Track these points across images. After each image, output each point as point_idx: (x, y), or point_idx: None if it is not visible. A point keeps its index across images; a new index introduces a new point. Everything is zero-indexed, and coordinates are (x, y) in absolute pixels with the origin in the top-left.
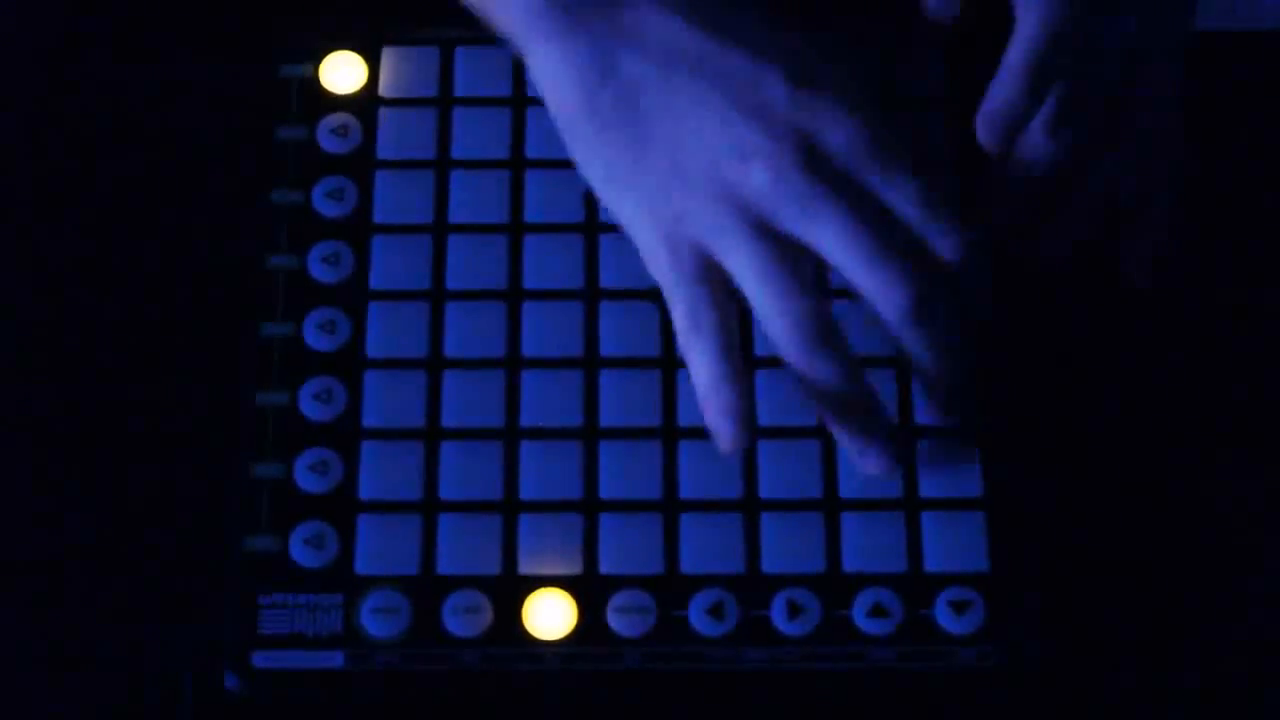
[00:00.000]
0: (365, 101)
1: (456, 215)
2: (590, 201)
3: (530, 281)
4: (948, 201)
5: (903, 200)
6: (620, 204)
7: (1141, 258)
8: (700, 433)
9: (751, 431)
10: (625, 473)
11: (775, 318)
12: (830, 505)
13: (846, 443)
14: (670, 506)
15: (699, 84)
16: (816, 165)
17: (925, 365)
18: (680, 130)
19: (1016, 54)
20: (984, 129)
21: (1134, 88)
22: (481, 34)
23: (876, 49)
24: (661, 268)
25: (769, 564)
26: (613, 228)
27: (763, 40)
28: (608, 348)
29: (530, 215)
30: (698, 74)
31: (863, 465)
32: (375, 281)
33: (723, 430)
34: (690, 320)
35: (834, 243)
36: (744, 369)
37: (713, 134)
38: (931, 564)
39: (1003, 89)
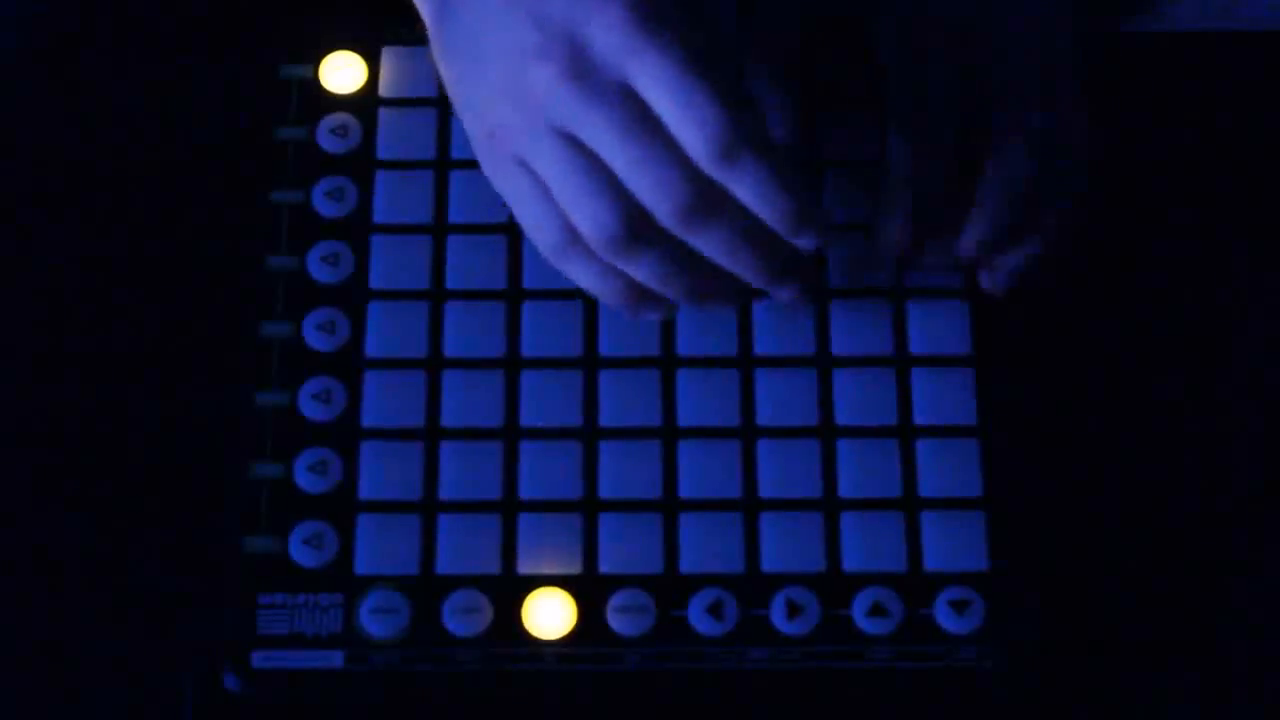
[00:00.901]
0: (365, 101)
1: (456, 215)
2: None
3: (530, 281)
4: (706, 90)
5: (658, 92)
6: (465, 126)
7: (1011, 266)
8: (700, 433)
9: (668, 304)
10: (625, 473)
11: (585, 222)
12: (830, 505)
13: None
14: (670, 506)
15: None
16: (578, 66)
17: (725, 260)
18: (486, 42)
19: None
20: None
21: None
22: None
23: None
24: (497, 185)
25: (768, 563)
26: None
27: None
28: (607, 348)
29: None
30: None
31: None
32: (375, 281)
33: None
34: (543, 241)
35: (606, 149)
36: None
37: (506, 39)
38: (931, 563)
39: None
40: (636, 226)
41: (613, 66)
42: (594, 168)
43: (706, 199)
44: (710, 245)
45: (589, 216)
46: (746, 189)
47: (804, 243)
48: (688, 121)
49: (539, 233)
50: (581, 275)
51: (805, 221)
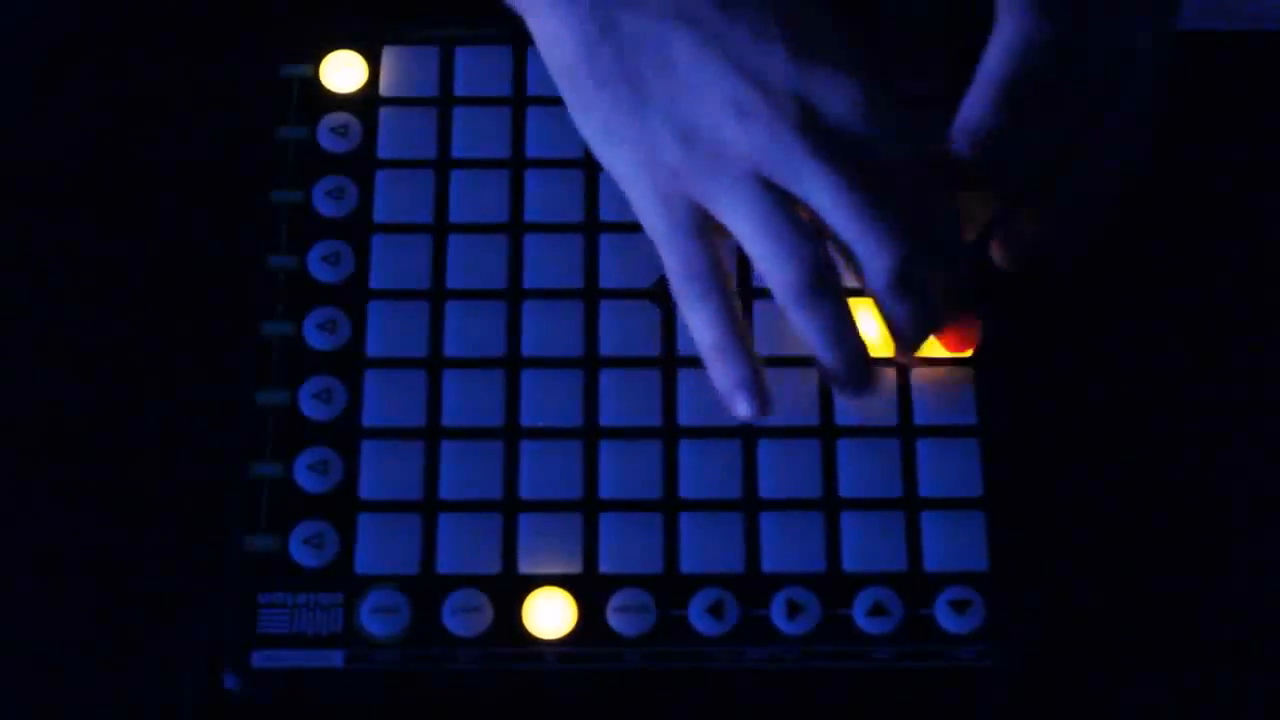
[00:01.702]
0: (365, 101)
1: (456, 215)
2: (590, 201)
3: (530, 281)
4: (939, 170)
5: (896, 163)
6: (615, 158)
7: (1075, 249)
8: (700, 432)
9: (764, 398)
10: (625, 472)
11: (774, 265)
12: (830, 504)
13: (837, 386)
14: (670, 506)
15: (698, 42)
16: (813, 127)
17: (904, 332)
18: (678, 87)
19: (993, 65)
20: (961, 142)
21: (1116, 92)
22: (482, 34)
23: (879, 46)
24: (656, 222)
25: (769, 563)
26: (613, 227)
27: (766, 5)
28: (608, 347)
29: (530, 215)
30: (697, 33)
31: (854, 405)
32: (375, 281)
33: (738, 404)
34: (686, 275)
35: (826, 199)
36: (745, 329)
37: (711, 92)
38: (931, 563)
39: (978, 104)
40: (829, 273)
41: (845, 137)
42: (795, 216)
43: (916, 266)
44: (904, 308)
45: (789, 252)
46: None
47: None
48: (927, 196)
49: (688, 269)
50: (710, 317)
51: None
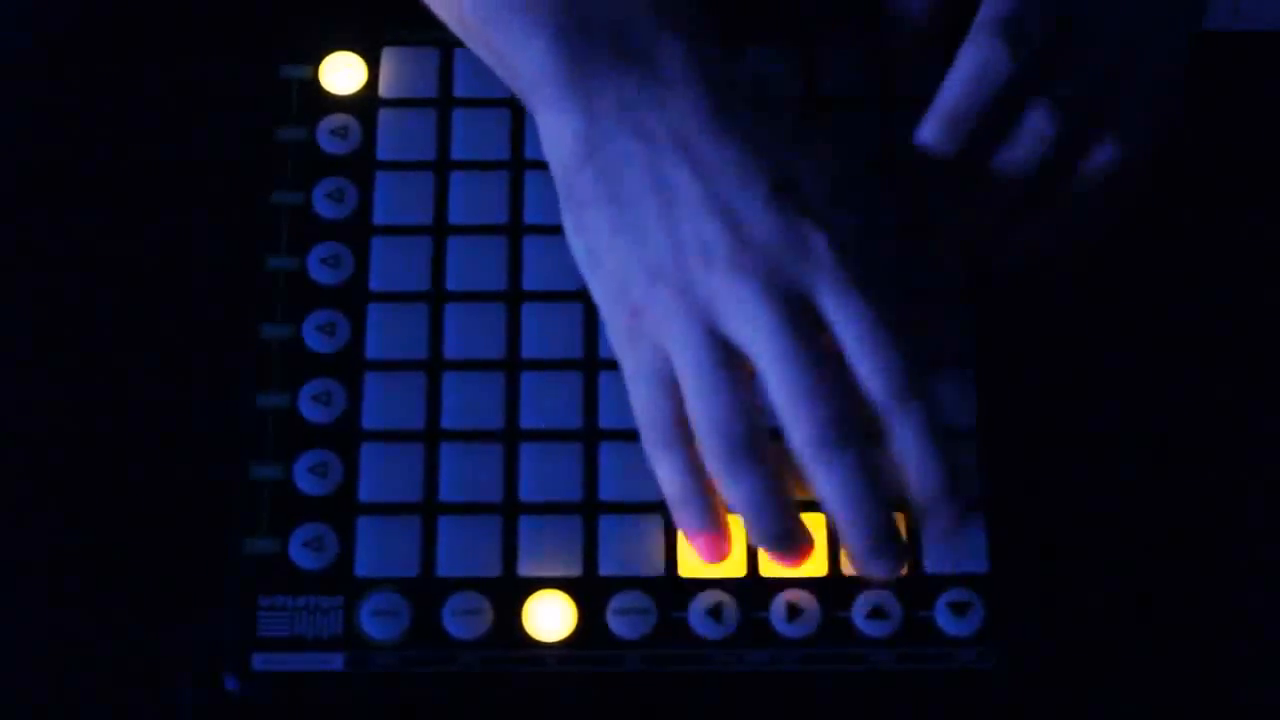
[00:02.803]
0: (365, 102)
1: (456, 216)
2: None
3: (530, 282)
4: (893, 334)
5: (847, 330)
6: (593, 280)
7: (1075, 251)
8: None
9: (724, 545)
10: (625, 474)
11: (704, 427)
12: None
13: (764, 548)
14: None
15: (682, 174)
16: (773, 283)
17: (827, 501)
18: (655, 219)
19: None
20: (931, 128)
21: (1133, 76)
22: None
23: (879, 47)
24: (622, 360)
25: (769, 566)
26: None
27: (762, 138)
28: (607, 350)
29: (530, 216)
30: (683, 163)
31: (786, 562)
32: (375, 283)
33: (697, 544)
34: (647, 423)
35: (766, 366)
36: (703, 471)
37: (684, 231)
38: (931, 565)
39: (954, 86)
40: (758, 441)
41: (805, 291)
42: (739, 374)
43: (849, 432)
44: (832, 481)
45: (718, 415)
46: (910, 431)
47: (944, 514)
48: (874, 357)
49: (648, 415)
50: (670, 471)
51: (957, 486)
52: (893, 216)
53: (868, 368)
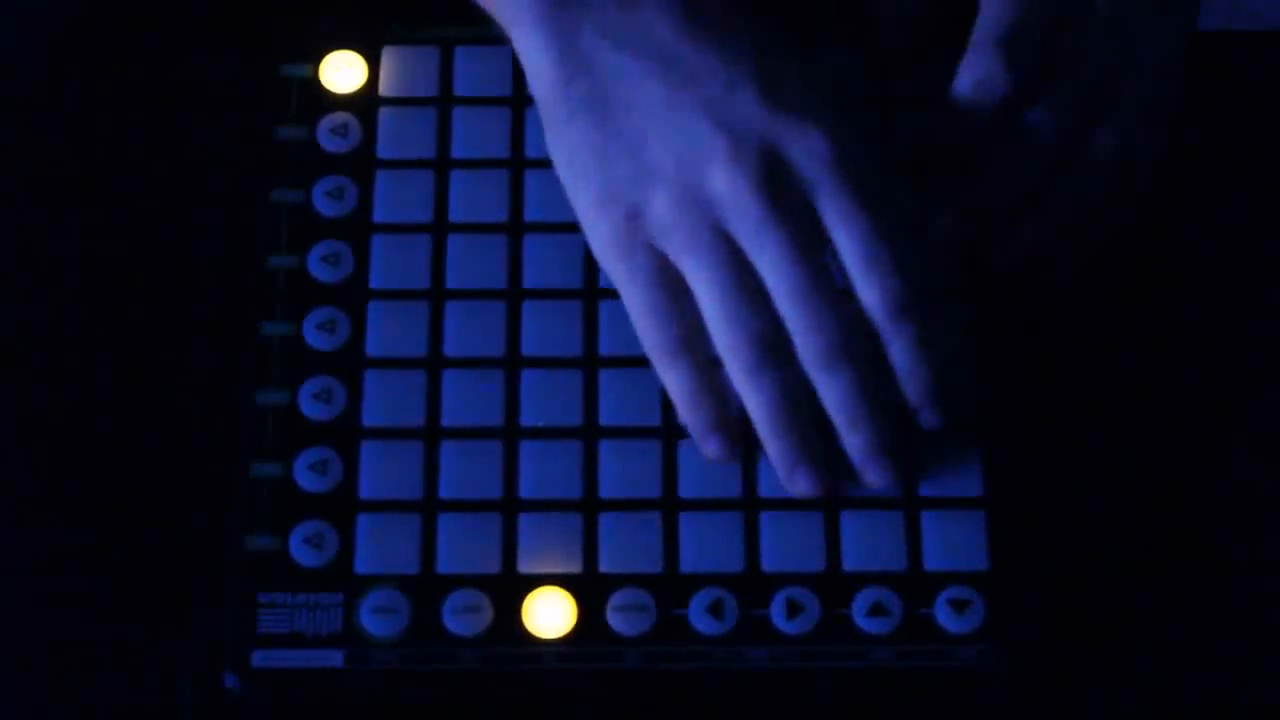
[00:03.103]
0: (365, 101)
1: (456, 215)
2: None
3: (530, 281)
4: (892, 246)
5: (847, 238)
6: (578, 193)
7: (1077, 254)
8: None
9: (738, 441)
10: (625, 472)
11: (721, 328)
12: (830, 504)
13: (776, 460)
14: (670, 505)
15: (672, 82)
16: (773, 181)
17: (838, 410)
18: (647, 125)
19: (981, 32)
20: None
21: (1131, 74)
22: (482, 34)
23: (877, 47)
24: (615, 265)
25: (769, 563)
26: None
27: (744, 44)
28: (607, 347)
29: (530, 215)
30: (672, 72)
31: (790, 485)
32: (375, 281)
33: (710, 447)
34: (652, 328)
35: (770, 268)
36: (712, 371)
37: (679, 133)
38: (931, 563)
39: (971, 68)
40: (777, 347)
41: (806, 192)
42: (751, 279)
43: (854, 343)
44: (835, 390)
45: (737, 324)
46: (904, 348)
47: (929, 419)
48: (872, 272)
49: (653, 324)
50: (680, 381)
51: (944, 393)
52: (890, 141)
53: (864, 284)
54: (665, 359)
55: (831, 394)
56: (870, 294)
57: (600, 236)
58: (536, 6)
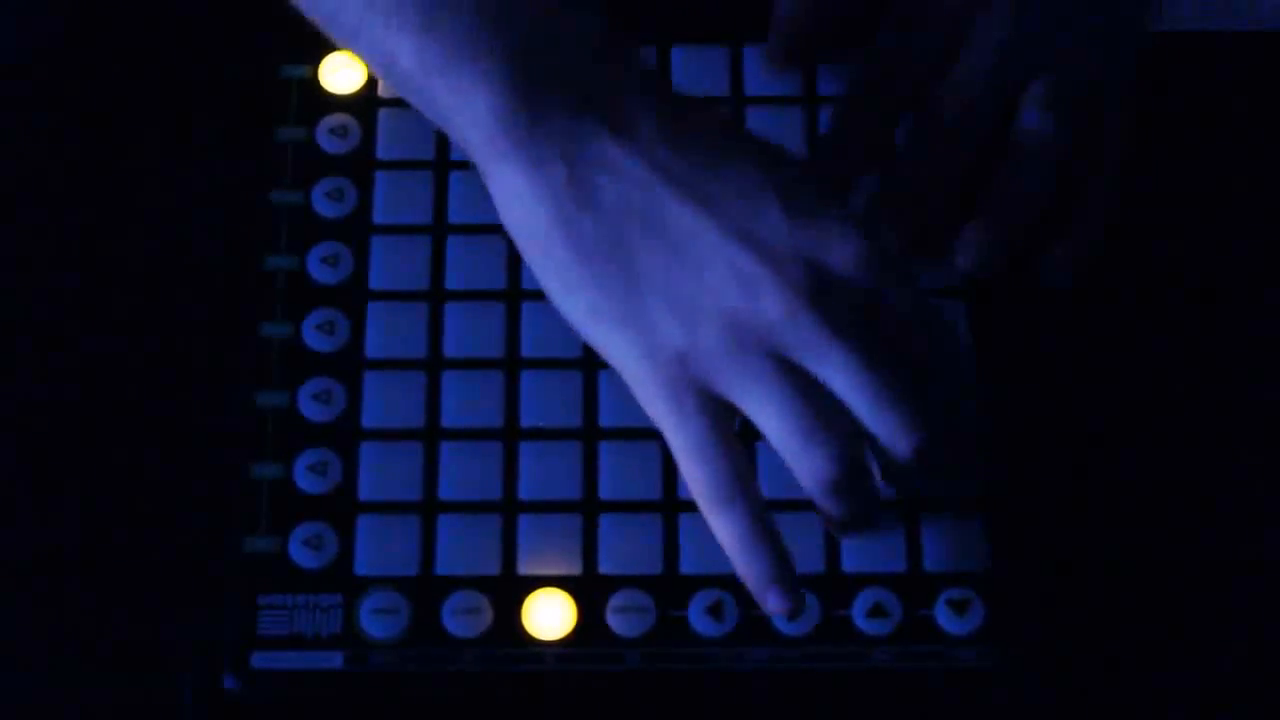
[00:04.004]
0: (365, 101)
1: (456, 215)
2: None
3: (530, 281)
4: (947, 325)
5: (913, 328)
6: (609, 342)
7: (1074, 256)
8: None
9: (798, 594)
10: (625, 473)
11: (803, 460)
12: None
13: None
14: (670, 506)
15: (688, 212)
16: (825, 294)
17: (937, 496)
18: (674, 262)
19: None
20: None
21: (1113, 84)
22: None
23: None
24: (664, 414)
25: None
26: None
27: (748, 160)
28: None
29: None
30: (687, 201)
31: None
32: (375, 282)
33: (772, 601)
34: (704, 471)
35: (845, 380)
36: (768, 518)
37: (712, 265)
38: (931, 564)
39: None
40: (858, 471)
41: (855, 294)
42: (821, 400)
43: (938, 444)
44: (936, 482)
45: (822, 450)
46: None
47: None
48: (942, 361)
49: (708, 470)
50: (737, 523)
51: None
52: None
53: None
54: (720, 504)
55: (932, 485)
56: (950, 380)
57: (644, 387)
58: (508, 138)
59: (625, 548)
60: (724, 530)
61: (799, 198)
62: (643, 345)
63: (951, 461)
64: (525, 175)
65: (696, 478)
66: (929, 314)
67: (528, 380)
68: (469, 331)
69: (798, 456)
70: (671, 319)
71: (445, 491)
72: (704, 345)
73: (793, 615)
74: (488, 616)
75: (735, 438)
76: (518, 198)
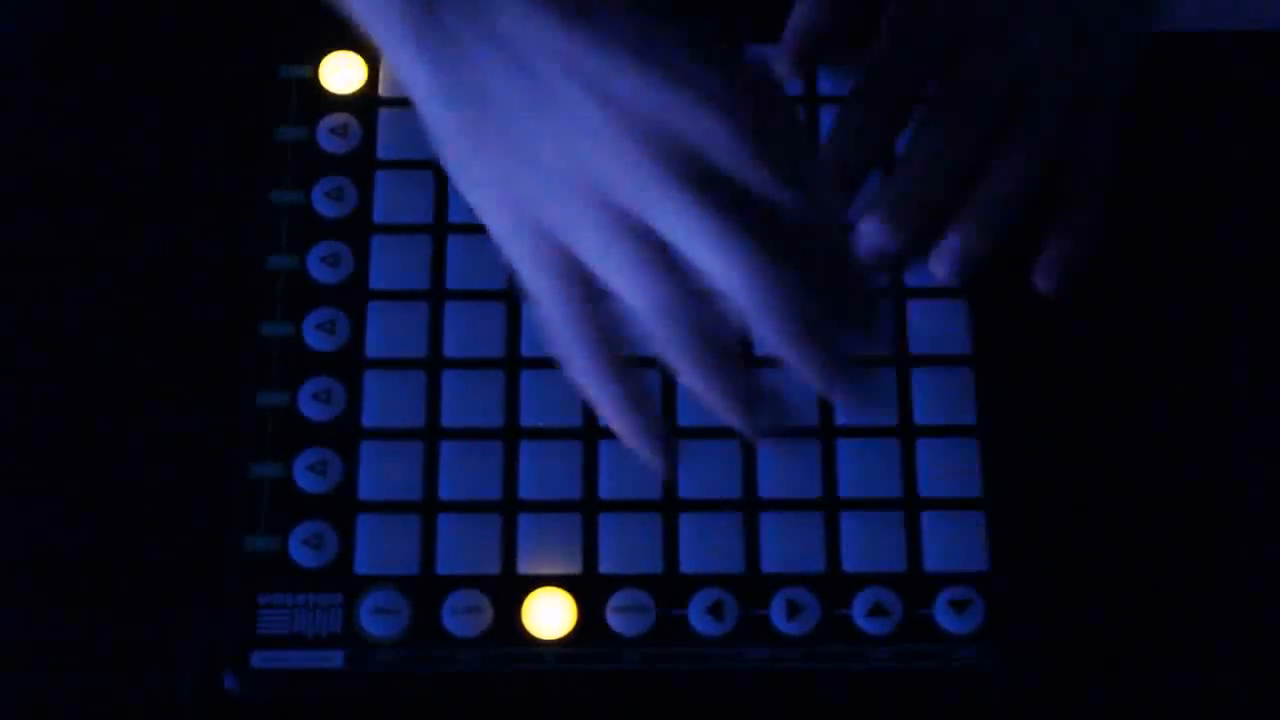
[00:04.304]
0: (365, 101)
1: (456, 215)
2: None
3: None
4: (807, 181)
5: (763, 194)
6: (473, 193)
7: (1061, 262)
8: (700, 433)
9: (668, 440)
10: (625, 472)
11: (636, 298)
12: (830, 505)
13: (743, 426)
14: (670, 506)
15: (552, 74)
16: (665, 151)
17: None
18: (531, 118)
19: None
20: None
21: (1106, 85)
22: None
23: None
24: (520, 260)
25: (769, 563)
26: None
27: (616, 18)
28: None
29: None
30: (551, 64)
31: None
32: (375, 281)
33: (643, 451)
34: (559, 319)
35: (683, 231)
36: (625, 369)
37: (563, 121)
38: (931, 563)
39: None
40: (694, 314)
41: (706, 156)
42: (652, 247)
43: (785, 283)
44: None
45: (648, 287)
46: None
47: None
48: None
49: (571, 330)
50: (609, 386)
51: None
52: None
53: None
54: (591, 367)
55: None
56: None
57: (502, 235)
58: (405, 19)
59: (625, 547)
60: (601, 391)
61: (659, 58)
62: (499, 195)
63: (826, 316)
64: (413, 48)
65: (549, 319)
66: (779, 180)
67: (528, 380)
68: (469, 331)
69: (627, 292)
70: (524, 170)
71: (445, 491)
72: (550, 196)
73: (665, 470)
74: (488, 616)
75: (596, 293)
76: (409, 71)
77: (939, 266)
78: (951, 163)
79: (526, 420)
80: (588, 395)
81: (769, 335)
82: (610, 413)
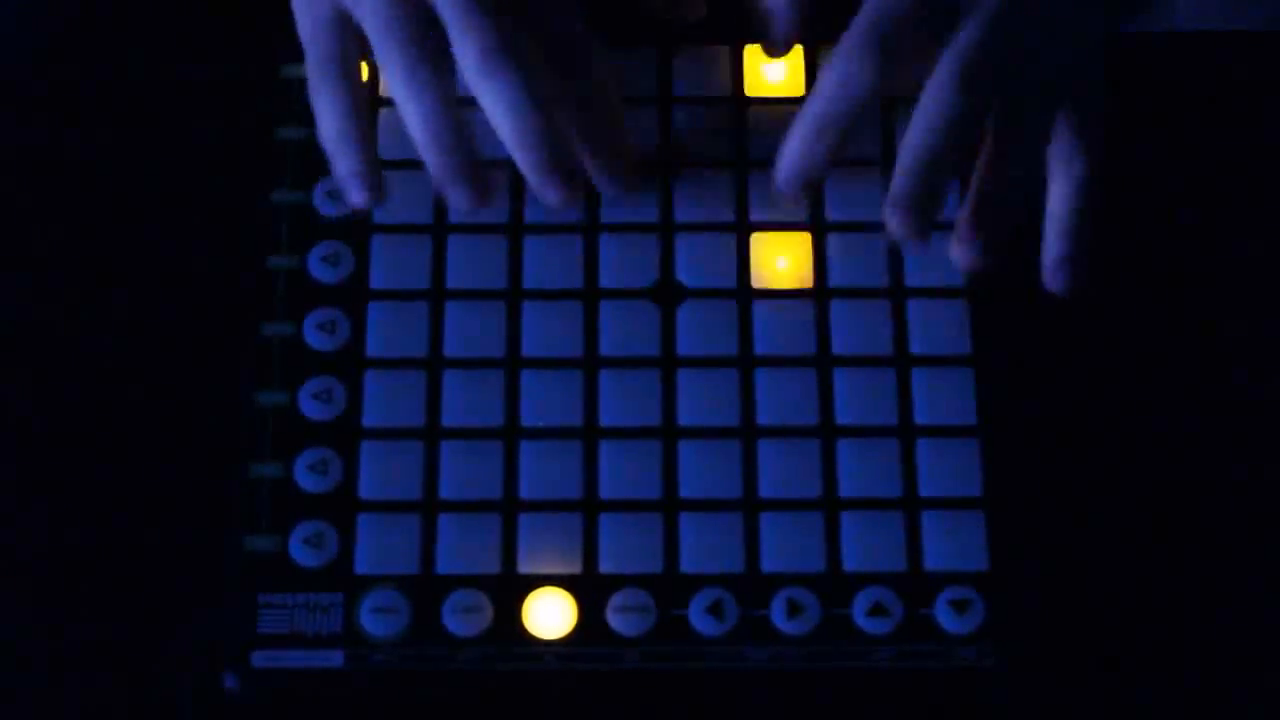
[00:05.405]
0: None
1: (456, 215)
2: (591, 202)
3: (530, 281)
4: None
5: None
6: None
7: (1063, 263)
8: (700, 432)
9: (377, 189)
10: (625, 472)
11: (383, 52)
12: (830, 504)
13: (445, 186)
14: (670, 506)
15: None
16: None
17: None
18: None
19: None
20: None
21: (1088, 84)
22: None
23: None
24: (298, 10)
25: (769, 563)
26: (613, 228)
27: None
28: (608, 348)
29: (530, 215)
30: None
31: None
32: (375, 281)
33: (350, 193)
34: (314, 63)
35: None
36: (368, 130)
37: None
38: (931, 563)
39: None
40: (439, 62)
41: None
42: (434, 44)
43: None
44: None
45: (402, 43)
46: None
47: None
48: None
49: (314, 55)
50: (338, 102)
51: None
52: None
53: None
54: (321, 89)
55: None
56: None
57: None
58: None
59: (625, 547)
60: (323, 115)
61: None
62: None
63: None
64: None
65: (309, 65)
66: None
67: (528, 379)
68: (469, 331)
69: (387, 68)
70: None
71: (445, 490)
72: None
73: (373, 203)
74: (488, 615)
75: (353, 44)
76: None
77: (965, 255)
78: (1022, 173)
79: (526, 420)
80: (333, 154)
81: (516, 159)
82: (338, 142)
